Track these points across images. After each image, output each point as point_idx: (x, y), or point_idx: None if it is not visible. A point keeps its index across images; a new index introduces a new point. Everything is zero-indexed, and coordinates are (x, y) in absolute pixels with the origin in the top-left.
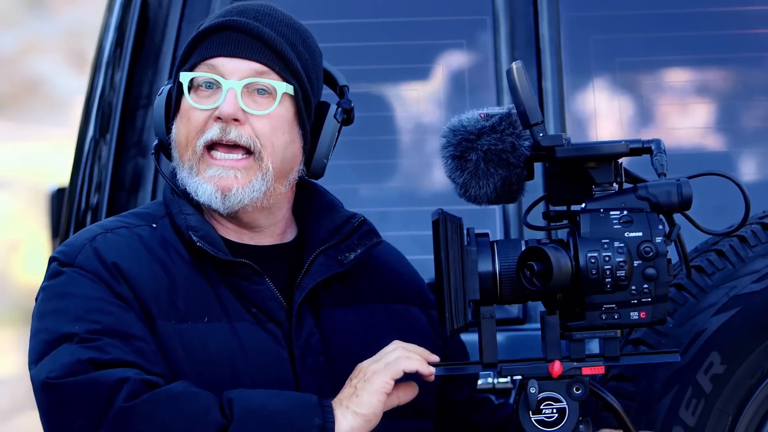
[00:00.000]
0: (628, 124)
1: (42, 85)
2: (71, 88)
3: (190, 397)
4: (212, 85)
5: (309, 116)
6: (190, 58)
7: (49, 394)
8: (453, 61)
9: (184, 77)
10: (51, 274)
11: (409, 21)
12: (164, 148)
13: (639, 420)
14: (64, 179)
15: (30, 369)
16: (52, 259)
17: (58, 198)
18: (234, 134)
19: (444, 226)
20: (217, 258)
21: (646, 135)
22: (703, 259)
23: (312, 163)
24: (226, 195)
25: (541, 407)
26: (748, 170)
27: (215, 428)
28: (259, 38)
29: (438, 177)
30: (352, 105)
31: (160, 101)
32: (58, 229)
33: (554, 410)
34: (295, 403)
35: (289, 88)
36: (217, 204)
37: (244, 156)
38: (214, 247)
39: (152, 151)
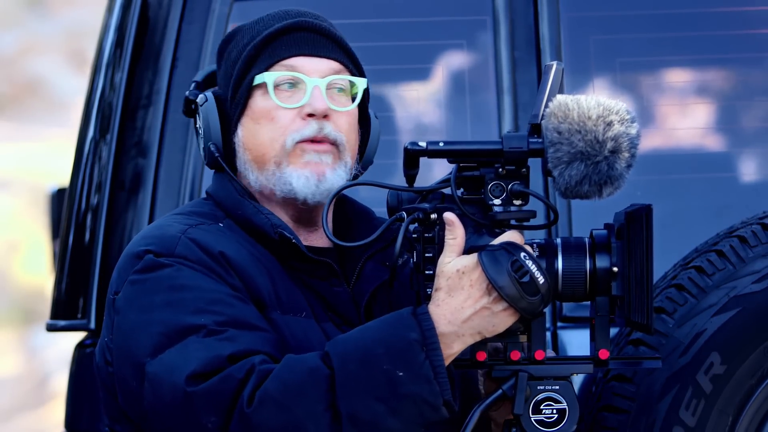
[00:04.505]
0: None
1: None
2: (71, 88)
3: (293, 365)
4: (292, 85)
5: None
6: (258, 60)
7: (187, 390)
8: (453, 61)
9: (268, 77)
10: (147, 266)
11: (409, 21)
12: (210, 155)
13: (639, 420)
14: (64, 179)
15: (142, 361)
16: (142, 252)
17: (58, 198)
18: (328, 130)
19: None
20: (299, 257)
21: (647, 135)
22: (703, 260)
23: (363, 161)
24: (320, 180)
25: (541, 407)
26: (748, 170)
27: (326, 383)
28: (331, 37)
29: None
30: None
31: (210, 107)
32: (58, 230)
33: (554, 411)
34: (387, 326)
35: (365, 84)
36: (311, 189)
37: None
38: (301, 246)
39: (208, 161)
